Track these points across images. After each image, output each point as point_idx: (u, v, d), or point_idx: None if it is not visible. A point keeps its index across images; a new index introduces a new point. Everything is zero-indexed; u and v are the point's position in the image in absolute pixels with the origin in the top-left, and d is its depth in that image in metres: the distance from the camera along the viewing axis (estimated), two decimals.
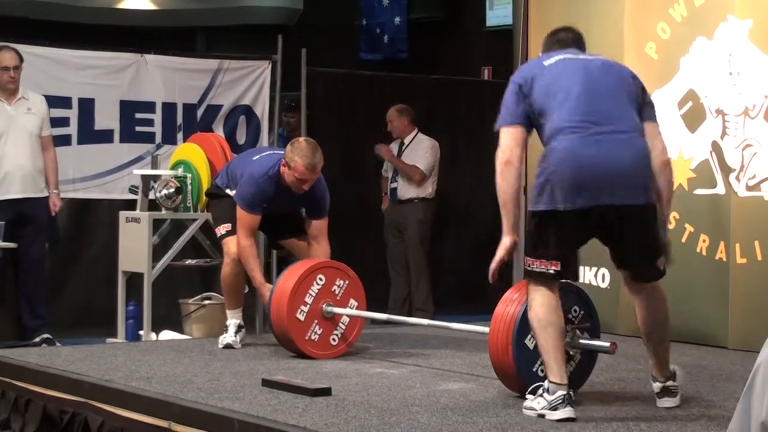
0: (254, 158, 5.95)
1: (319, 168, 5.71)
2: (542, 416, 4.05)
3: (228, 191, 6.00)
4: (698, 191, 6.35)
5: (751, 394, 2.20)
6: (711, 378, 5.13)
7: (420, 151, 8.63)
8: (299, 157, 5.63)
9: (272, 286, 5.76)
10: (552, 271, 4.21)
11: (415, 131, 8.74)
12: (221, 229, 6.00)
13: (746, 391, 2.23)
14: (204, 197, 7.00)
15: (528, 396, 4.20)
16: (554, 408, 4.03)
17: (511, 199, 4.28)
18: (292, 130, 9.10)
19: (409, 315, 8.16)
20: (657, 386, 4.36)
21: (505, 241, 4.35)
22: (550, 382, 4.09)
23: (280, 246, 6.47)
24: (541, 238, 4.23)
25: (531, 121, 4.28)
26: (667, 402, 4.31)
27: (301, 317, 5.54)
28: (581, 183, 4.09)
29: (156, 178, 7.10)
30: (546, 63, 4.34)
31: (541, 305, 4.19)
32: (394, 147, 8.74)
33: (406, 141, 8.72)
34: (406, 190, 8.65)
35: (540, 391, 4.13)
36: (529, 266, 4.28)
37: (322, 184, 5.93)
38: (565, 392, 4.06)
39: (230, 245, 5.93)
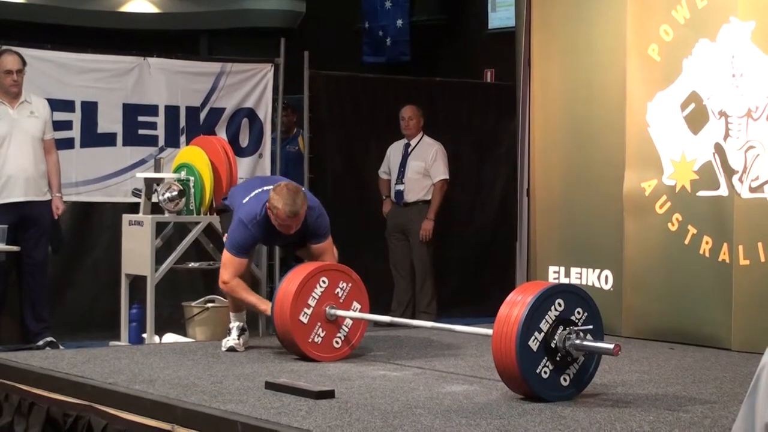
0: (244, 201, 5.86)
1: (301, 213, 5.63)
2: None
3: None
4: (701, 193, 6.35)
5: (756, 396, 2.19)
6: (714, 380, 5.12)
7: (429, 157, 8.62)
8: (280, 205, 5.57)
9: (275, 289, 5.76)
10: None
11: (422, 133, 8.75)
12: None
13: (750, 392, 2.22)
14: (207, 201, 7.02)
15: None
16: None
17: None
18: (287, 129, 9.11)
19: (413, 317, 8.16)
20: None
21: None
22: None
23: (296, 255, 6.49)
24: None
25: None
26: None
27: (305, 320, 5.54)
28: None
29: (159, 181, 7.10)
30: None
31: None
32: (400, 149, 8.73)
33: (413, 142, 8.72)
34: (413, 193, 8.65)
35: None
36: None
37: (314, 213, 5.83)
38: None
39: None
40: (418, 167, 8.64)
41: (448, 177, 8.66)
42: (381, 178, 8.87)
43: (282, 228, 5.68)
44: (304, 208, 5.66)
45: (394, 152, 8.79)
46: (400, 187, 8.68)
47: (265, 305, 5.85)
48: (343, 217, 9.16)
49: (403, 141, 8.76)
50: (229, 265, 5.80)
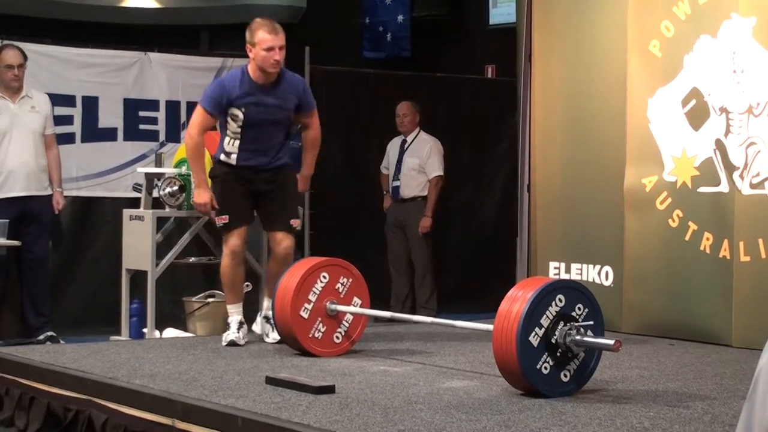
0: None
1: (281, 33, 5.81)
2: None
3: (222, 157, 6.00)
4: (702, 189, 6.35)
5: (753, 401, 2.19)
6: (714, 376, 5.13)
7: (424, 154, 8.63)
8: (258, 29, 5.80)
9: (276, 285, 5.76)
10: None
11: (418, 129, 8.75)
12: (219, 221, 5.99)
13: (749, 396, 2.22)
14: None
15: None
16: None
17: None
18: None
19: (412, 313, 8.16)
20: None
21: None
22: None
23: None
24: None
25: None
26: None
27: (305, 315, 5.54)
28: None
29: (160, 176, 7.10)
30: None
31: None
32: (398, 145, 8.74)
33: (409, 139, 8.73)
34: (409, 189, 8.65)
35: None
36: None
37: (302, 82, 6.11)
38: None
39: (229, 238, 5.93)
40: (413, 163, 8.65)
41: (442, 173, 8.66)
42: (382, 174, 8.88)
43: (266, 61, 5.79)
44: (282, 31, 5.84)
45: (392, 148, 8.81)
46: (397, 183, 8.71)
47: (202, 188, 5.93)
48: (343, 213, 9.17)
49: (401, 137, 8.77)
50: (197, 117, 5.92)
